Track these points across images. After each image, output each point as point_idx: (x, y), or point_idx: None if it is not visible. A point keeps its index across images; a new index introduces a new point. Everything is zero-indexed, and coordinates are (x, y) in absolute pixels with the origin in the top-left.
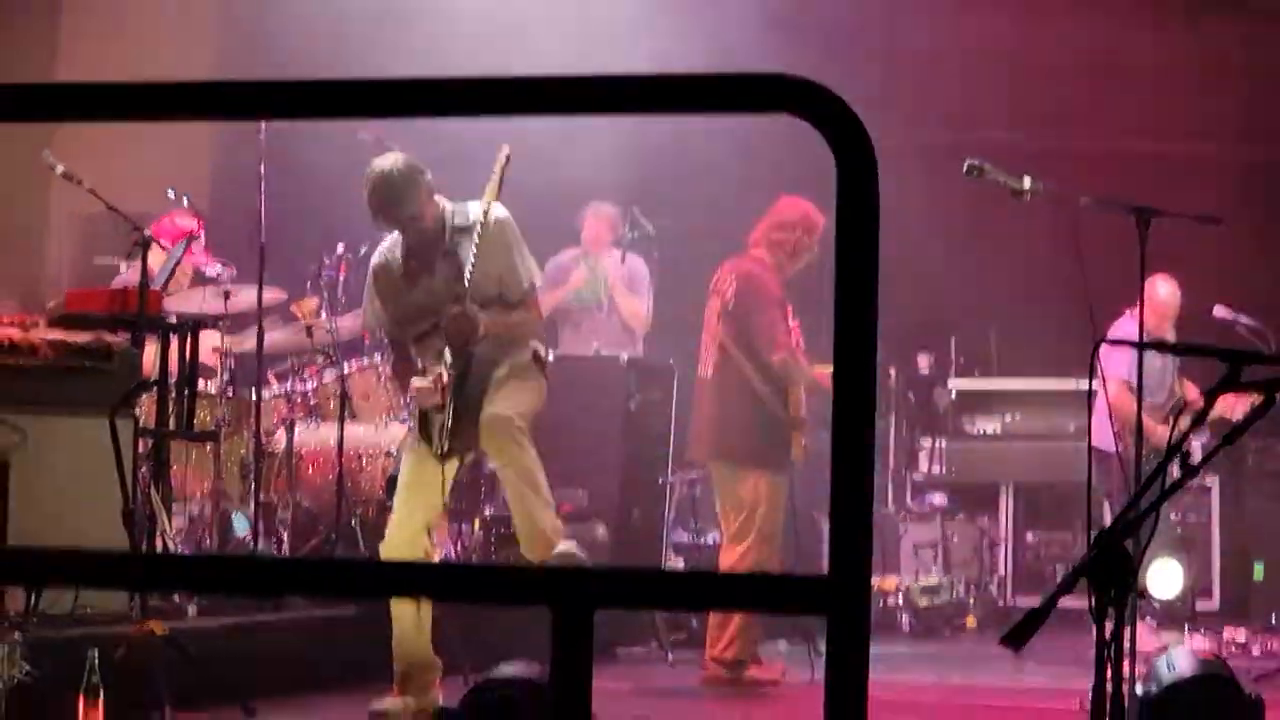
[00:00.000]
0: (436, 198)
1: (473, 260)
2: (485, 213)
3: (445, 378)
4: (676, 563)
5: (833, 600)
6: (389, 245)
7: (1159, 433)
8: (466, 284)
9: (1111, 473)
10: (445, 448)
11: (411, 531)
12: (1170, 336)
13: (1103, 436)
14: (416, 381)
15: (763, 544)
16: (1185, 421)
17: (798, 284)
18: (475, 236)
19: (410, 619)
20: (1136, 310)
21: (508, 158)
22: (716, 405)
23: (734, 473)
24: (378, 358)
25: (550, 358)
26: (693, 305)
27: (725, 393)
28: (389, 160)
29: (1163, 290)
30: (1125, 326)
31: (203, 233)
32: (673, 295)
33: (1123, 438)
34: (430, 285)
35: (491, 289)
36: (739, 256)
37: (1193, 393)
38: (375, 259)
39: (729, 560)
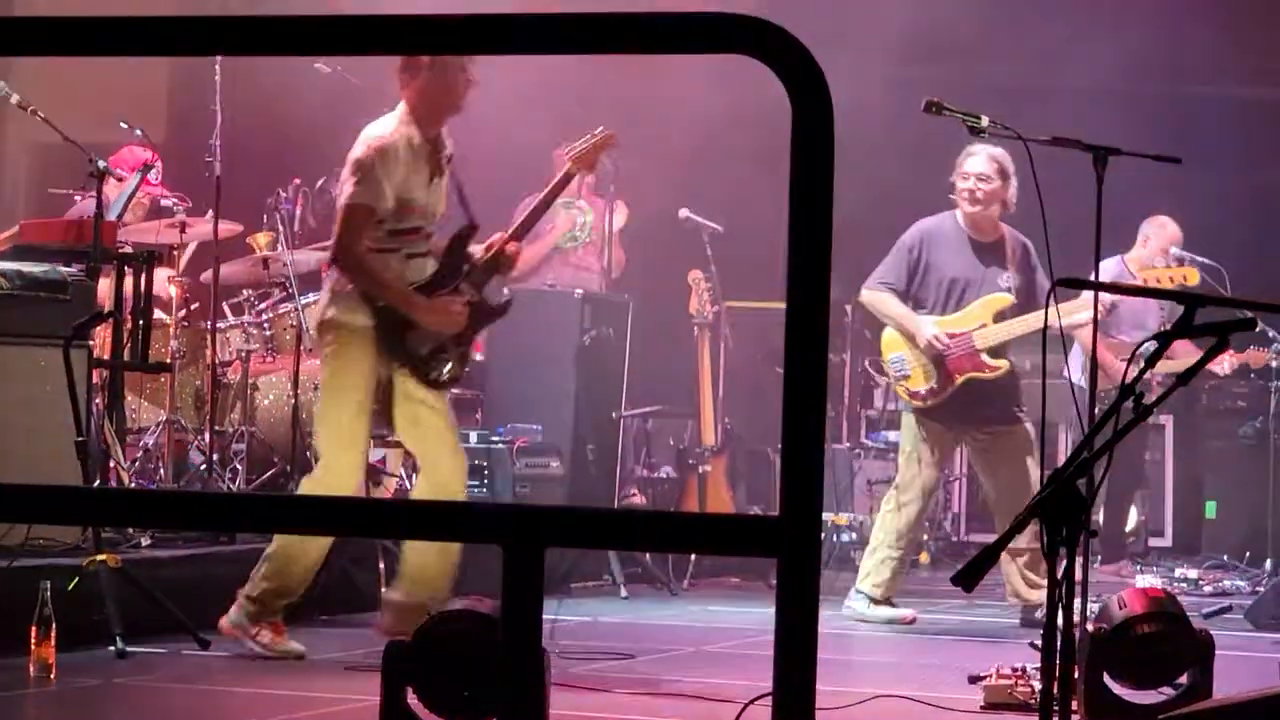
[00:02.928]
0: None
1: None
2: None
3: (465, 304)
4: (633, 498)
5: (784, 542)
6: (397, 128)
7: (1119, 369)
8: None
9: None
10: (450, 375)
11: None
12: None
13: (1075, 369)
14: (451, 304)
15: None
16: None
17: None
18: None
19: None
20: (1130, 251)
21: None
22: None
23: None
24: None
25: (505, 292)
26: (653, 244)
27: None
28: None
29: (1171, 228)
30: (1110, 268)
31: (159, 163)
32: (630, 232)
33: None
34: (431, 188)
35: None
36: None
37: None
38: (385, 138)
39: None
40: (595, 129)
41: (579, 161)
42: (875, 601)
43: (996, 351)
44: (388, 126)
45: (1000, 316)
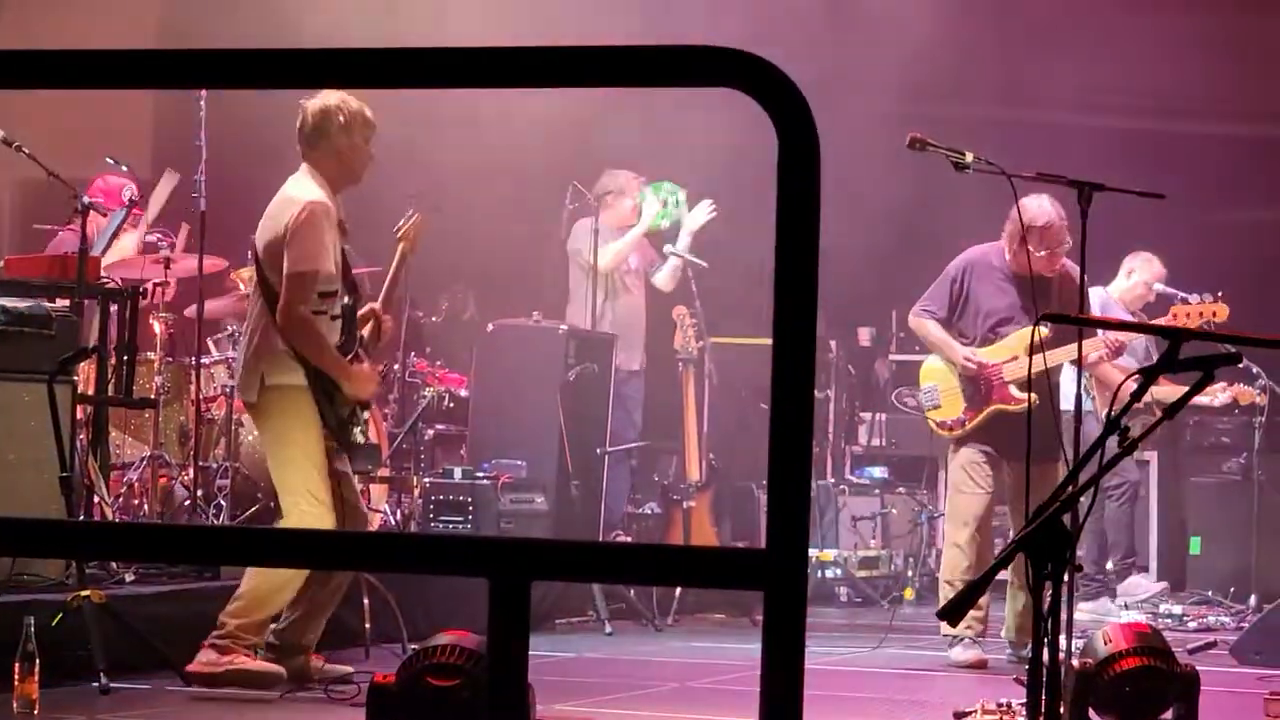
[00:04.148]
0: None
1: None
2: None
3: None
4: (616, 534)
5: (770, 575)
6: (322, 191)
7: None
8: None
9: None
10: (363, 440)
11: None
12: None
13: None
14: (373, 372)
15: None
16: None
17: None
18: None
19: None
20: (1112, 284)
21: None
22: None
23: None
24: None
25: (490, 328)
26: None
27: None
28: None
29: (1156, 264)
30: (1097, 299)
31: (131, 189)
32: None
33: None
34: (341, 249)
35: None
36: None
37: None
38: (321, 200)
39: None
40: (409, 213)
41: (405, 239)
42: (956, 642)
43: (1024, 385)
44: (315, 190)
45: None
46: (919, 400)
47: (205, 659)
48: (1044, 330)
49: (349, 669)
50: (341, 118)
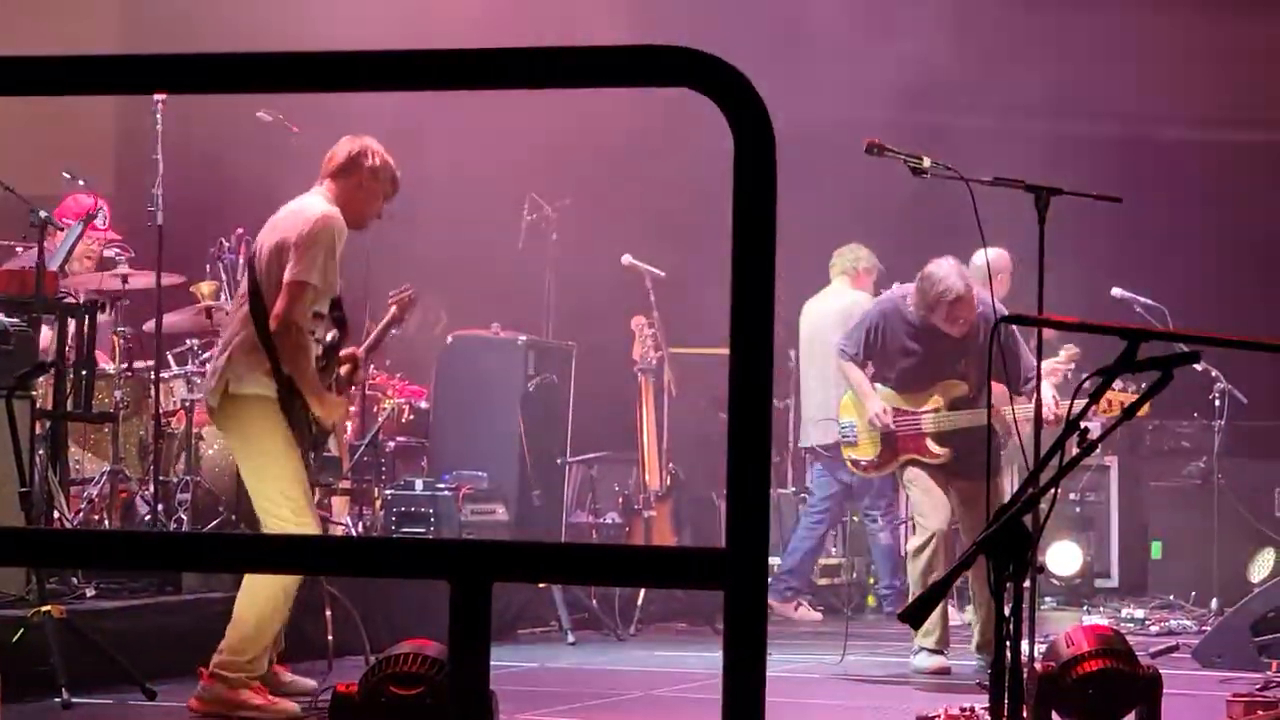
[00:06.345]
0: None
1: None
2: None
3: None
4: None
5: (731, 573)
6: (335, 210)
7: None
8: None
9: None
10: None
11: None
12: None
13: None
14: (337, 396)
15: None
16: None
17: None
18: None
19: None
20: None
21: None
22: None
23: None
24: None
25: (450, 339)
26: (596, 290)
27: None
28: None
29: (979, 258)
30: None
31: (103, 211)
32: (573, 279)
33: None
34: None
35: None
36: None
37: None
38: (337, 217)
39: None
40: (404, 286)
41: (398, 305)
42: (920, 650)
43: (943, 438)
44: (330, 207)
45: (955, 403)
46: (838, 434)
47: (212, 693)
48: (963, 385)
49: (312, 683)
50: (373, 160)
